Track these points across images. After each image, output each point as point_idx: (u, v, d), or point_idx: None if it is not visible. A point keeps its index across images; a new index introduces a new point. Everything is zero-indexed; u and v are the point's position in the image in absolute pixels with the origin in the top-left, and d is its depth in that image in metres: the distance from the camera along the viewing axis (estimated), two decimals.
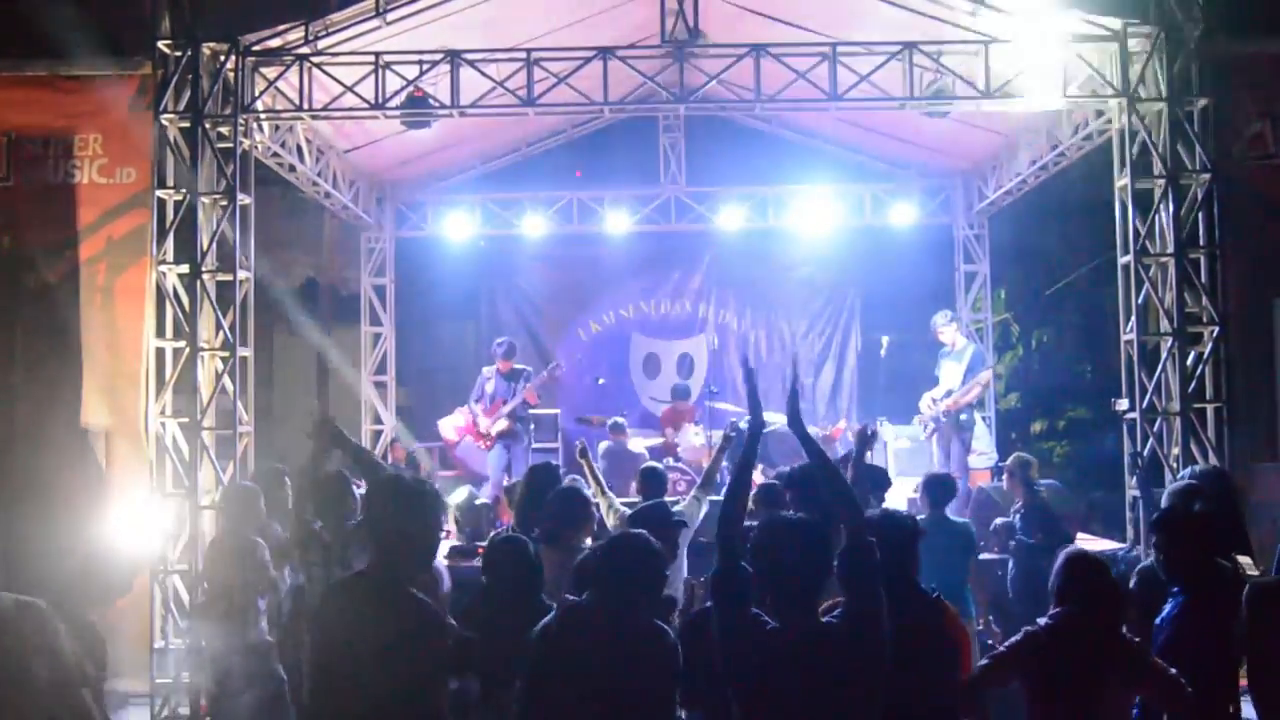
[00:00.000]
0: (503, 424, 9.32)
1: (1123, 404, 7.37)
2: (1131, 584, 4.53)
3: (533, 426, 9.86)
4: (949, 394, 9.20)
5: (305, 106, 7.48)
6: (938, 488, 6.26)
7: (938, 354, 9.63)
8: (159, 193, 7.27)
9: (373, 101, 7.42)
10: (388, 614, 3.08)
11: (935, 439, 9.35)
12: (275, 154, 8.42)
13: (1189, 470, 5.89)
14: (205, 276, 7.24)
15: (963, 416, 9.19)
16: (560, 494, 5.42)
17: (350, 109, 7.63)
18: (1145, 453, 7.02)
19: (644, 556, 3.44)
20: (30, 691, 3.14)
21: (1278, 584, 3.91)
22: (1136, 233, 7.39)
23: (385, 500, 3.27)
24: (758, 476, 6.72)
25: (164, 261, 7.24)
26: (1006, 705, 3.86)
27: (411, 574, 3.22)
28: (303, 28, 7.33)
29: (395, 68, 7.41)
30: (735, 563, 3.12)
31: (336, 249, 12.32)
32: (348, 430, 5.02)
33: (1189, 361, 7.28)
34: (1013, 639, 3.75)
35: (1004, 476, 7.68)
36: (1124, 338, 7.55)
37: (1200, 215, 7.36)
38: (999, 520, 7.52)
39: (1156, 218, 7.42)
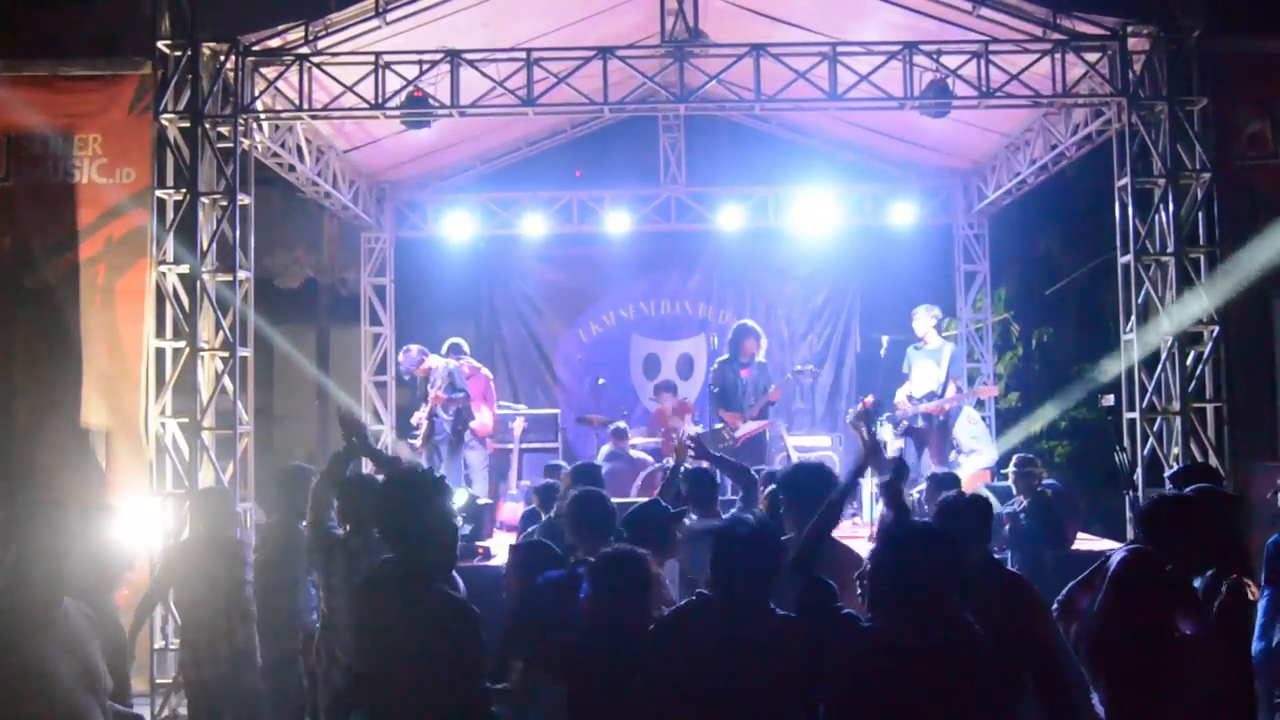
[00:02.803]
0: (425, 426, 9.20)
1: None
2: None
3: (461, 428, 9.58)
4: (931, 395, 9.16)
5: (305, 106, 7.48)
6: (944, 486, 6.26)
7: (909, 346, 9.58)
8: (159, 193, 7.28)
9: (373, 101, 7.42)
10: (419, 610, 3.09)
11: (909, 439, 9.27)
12: (275, 154, 8.41)
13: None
14: (205, 276, 7.25)
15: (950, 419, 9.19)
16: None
17: (350, 109, 7.64)
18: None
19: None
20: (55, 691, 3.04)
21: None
22: (1136, 232, 7.40)
23: (397, 497, 3.29)
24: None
25: (164, 261, 7.25)
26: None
27: (437, 567, 3.22)
28: (303, 28, 7.34)
29: (395, 68, 7.41)
30: (813, 571, 3.51)
31: (336, 249, 12.30)
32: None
33: (1189, 361, 7.29)
34: None
35: (1010, 476, 7.68)
36: (1124, 338, 7.55)
37: (1200, 215, 7.37)
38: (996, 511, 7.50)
39: (1156, 218, 7.43)
